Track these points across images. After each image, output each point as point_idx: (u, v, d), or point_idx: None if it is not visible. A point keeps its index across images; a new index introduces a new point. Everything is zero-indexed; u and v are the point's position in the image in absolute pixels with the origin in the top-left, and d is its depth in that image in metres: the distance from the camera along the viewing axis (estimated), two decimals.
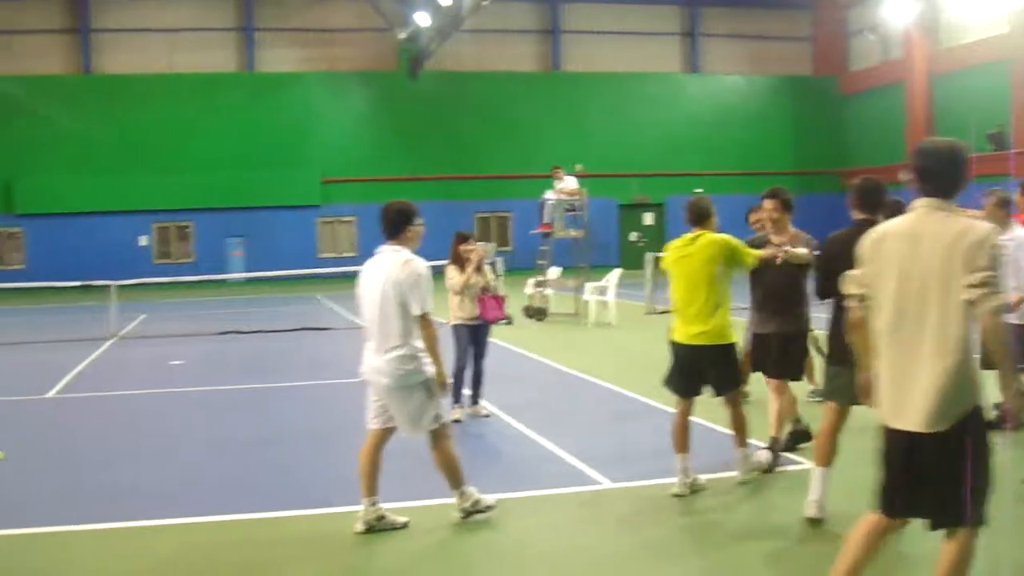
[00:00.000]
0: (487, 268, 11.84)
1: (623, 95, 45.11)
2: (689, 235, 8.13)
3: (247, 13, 42.01)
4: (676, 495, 7.88)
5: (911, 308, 4.81)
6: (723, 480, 8.25)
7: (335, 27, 42.57)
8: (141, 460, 9.79)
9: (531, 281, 23.51)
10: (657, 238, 43.49)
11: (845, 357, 6.99)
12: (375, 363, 7.25)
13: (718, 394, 8.16)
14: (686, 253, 8.05)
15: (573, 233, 23.49)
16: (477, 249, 11.69)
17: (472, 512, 7.44)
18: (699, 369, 8.02)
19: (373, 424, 7.43)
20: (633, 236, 44.07)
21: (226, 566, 6.71)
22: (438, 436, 7.38)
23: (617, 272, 21.86)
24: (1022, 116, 37.75)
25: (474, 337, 11.56)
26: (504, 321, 20.75)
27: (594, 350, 17.62)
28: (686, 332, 8.01)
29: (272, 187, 40.77)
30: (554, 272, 23.49)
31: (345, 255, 40.17)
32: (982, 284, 4.61)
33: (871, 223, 7.08)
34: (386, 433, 7.43)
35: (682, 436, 8.04)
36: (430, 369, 7.20)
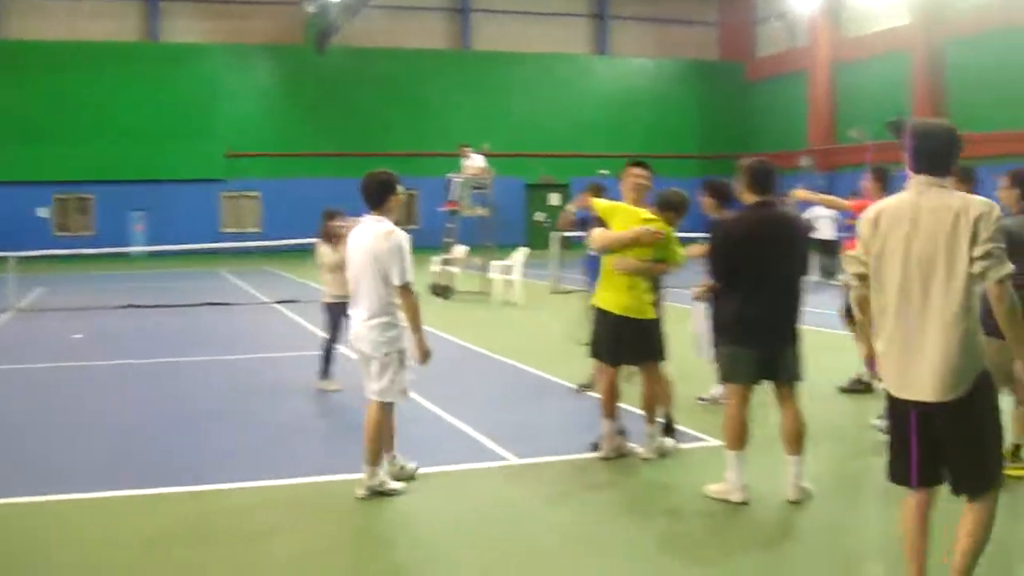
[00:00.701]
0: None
1: (532, 75, 45.18)
2: (644, 213, 8.14)
3: None
4: (604, 458, 8.20)
5: (915, 282, 4.90)
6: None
7: None
8: (49, 434, 9.58)
9: (437, 259, 23.48)
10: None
11: (739, 337, 7.17)
12: (358, 330, 7.41)
13: (638, 364, 8.41)
14: (636, 221, 8.06)
15: (480, 211, 23.53)
16: (347, 224, 11.70)
17: (379, 491, 7.40)
18: (624, 339, 8.09)
19: (369, 395, 7.54)
20: (539, 216, 44.13)
21: (146, 540, 6.62)
22: (387, 410, 7.48)
23: (523, 251, 21.92)
24: (921, 105, 38.48)
25: (345, 313, 11.60)
26: None
27: (499, 328, 17.73)
28: (616, 302, 8.07)
29: (175, 160, 39.97)
30: (460, 250, 23.49)
31: (249, 230, 39.73)
32: (987, 255, 4.76)
33: (768, 204, 7.22)
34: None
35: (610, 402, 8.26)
36: (403, 342, 7.34)
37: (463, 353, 14.68)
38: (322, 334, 11.94)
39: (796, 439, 7.19)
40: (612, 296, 8.11)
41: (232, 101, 41.24)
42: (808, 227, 7.78)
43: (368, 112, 42.34)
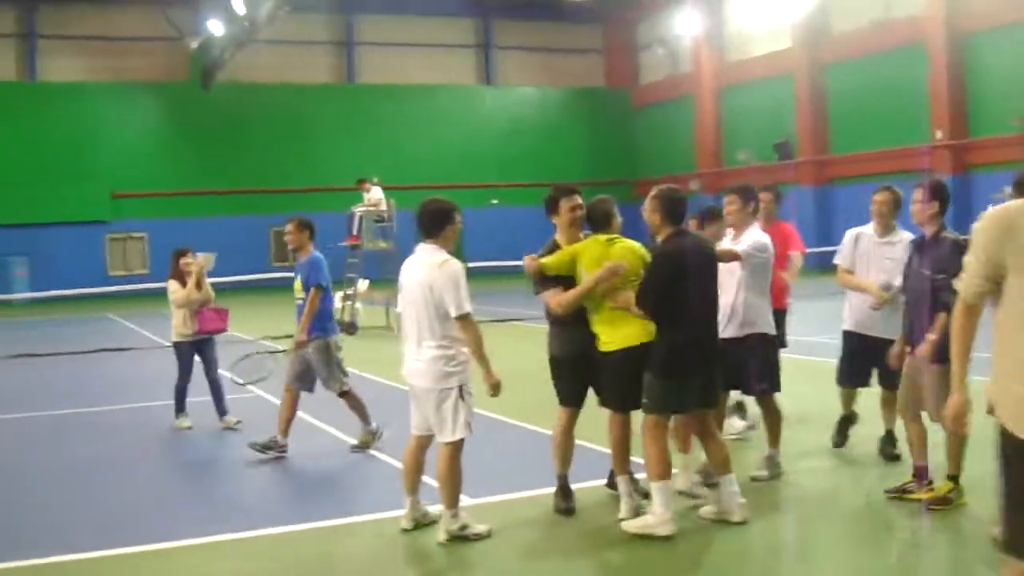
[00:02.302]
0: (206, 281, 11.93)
1: (419, 107, 45.09)
2: (602, 237, 7.52)
3: (28, 19, 40.22)
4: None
5: None
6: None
7: (123, 35, 41.01)
8: None
9: (339, 295, 23.03)
10: (456, 251, 43.37)
11: (676, 368, 7.02)
12: (413, 365, 7.14)
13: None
14: (607, 256, 7.35)
15: (382, 244, 23.19)
16: (196, 261, 11.73)
17: (459, 536, 7.11)
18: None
19: (415, 430, 7.38)
20: None
21: None
22: (457, 447, 7.11)
23: None
24: (805, 127, 39.31)
25: (199, 351, 11.80)
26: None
27: None
28: (637, 331, 7.29)
29: (58, 202, 38.86)
30: (363, 285, 23.10)
31: (136, 272, 38.70)
32: None
33: (685, 232, 7.26)
34: (427, 440, 7.36)
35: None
36: (465, 375, 7.06)
37: (386, 391, 14.25)
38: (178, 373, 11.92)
39: (726, 460, 7.23)
40: (628, 328, 7.33)
41: (116, 140, 40.30)
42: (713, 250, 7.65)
43: (257, 148, 41.75)
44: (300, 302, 10.03)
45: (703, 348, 7.12)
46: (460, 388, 7.04)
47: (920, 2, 34.42)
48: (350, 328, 21.92)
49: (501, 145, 46.27)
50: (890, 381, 8.28)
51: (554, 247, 7.75)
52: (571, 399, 7.80)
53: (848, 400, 9.24)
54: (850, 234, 8.81)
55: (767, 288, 8.28)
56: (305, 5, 37.14)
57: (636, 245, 7.51)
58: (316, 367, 10.02)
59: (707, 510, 7.33)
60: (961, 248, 6.80)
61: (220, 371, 11.79)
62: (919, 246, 7.50)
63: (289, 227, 10.18)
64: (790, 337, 9.69)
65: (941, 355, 6.89)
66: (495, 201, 45.64)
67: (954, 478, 7.34)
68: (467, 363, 7.09)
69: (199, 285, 11.65)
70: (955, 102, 33.81)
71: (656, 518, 6.96)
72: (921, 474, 7.45)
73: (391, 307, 22.05)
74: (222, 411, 11.81)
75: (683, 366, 7.06)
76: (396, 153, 42.76)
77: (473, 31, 47.89)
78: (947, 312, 6.71)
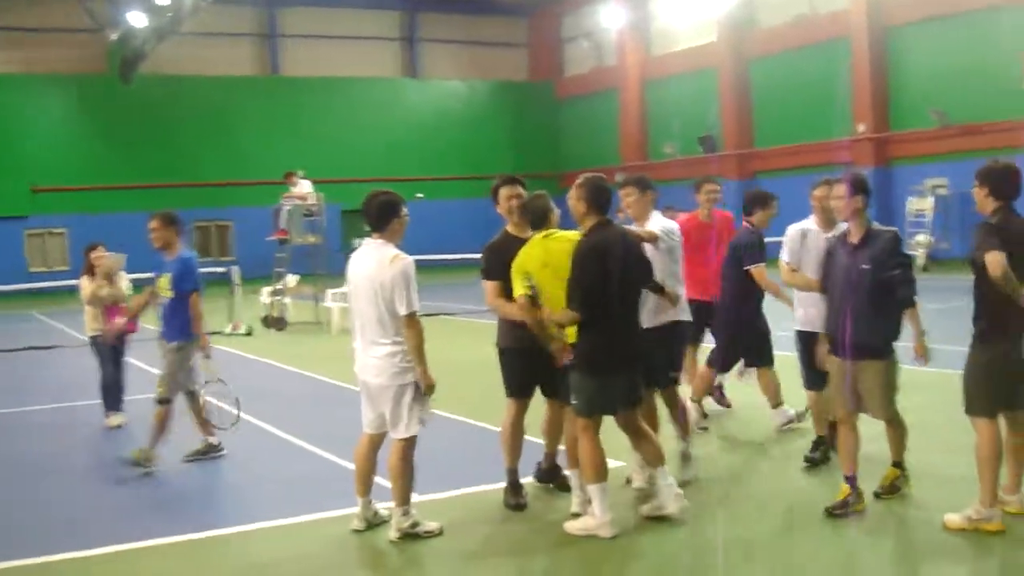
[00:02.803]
0: (122, 276, 11.72)
1: (344, 100, 44.65)
2: (539, 235, 7.37)
3: None
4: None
5: None
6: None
7: (40, 26, 39.97)
8: None
9: (267, 290, 22.81)
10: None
11: (604, 366, 6.84)
12: (366, 361, 6.99)
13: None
14: (548, 254, 7.18)
15: (311, 239, 22.96)
16: (105, 258, 11.53)
17: (411, 534, 7.02)
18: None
19: (368, 428, 7.22)
20: (356, 243, 43.41)
21: None
22: (410, 443, 7.04)
23: None
24: (730, 121, 39.62)
25: (114, 348, 11.59)
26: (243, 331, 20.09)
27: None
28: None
29: None
30: (291, 280, 22.86)
31: (57, 269, 37.88)
32: None
33: (609, 223, 7.02)
34: (379, 438, 7.23)
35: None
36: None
37: (326, 388, 14.12)
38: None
39: (659, 453, 7.13)
40: None
41: (34, 134, 39.30)
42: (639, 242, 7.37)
43: (178, 141, 41.01)
44: (166, 300, 9.58)
45: (627, 345, 6.94)
46: (416, 384, 6.94)
47: None
48: (279, 324, 21.70)
49: (426, 138, 46.00)
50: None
51: (505, 237, 7.76)
52: (519, 391, 7.76)
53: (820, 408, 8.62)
54: (795, 229, 8.49)
55: (679, 273, 8.05)
56: None
57: (573, 235, 7.27)
58: (164, 366, 9.61)
59: (646, 507, 7.25)
60: (900, 241, 7.16)
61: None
62: (846, 241, 7.14)
63: (154, 223, 9.68)
64: None
65: (882, 350, 7.07)
66: (420, 195, 45.37)
67: (899, 464, 7.40)
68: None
69: (109, 282, 11.43)
70: (877, 96, 34.30)
71: (596, 520, 6.88)
72: (854, 484, 7.11)
73: (320, 302, 21.92)
74: (117, 405, 11.67)
75: (607, 364, 6.88)
76: (321, 146, 42.25)
77: (398, 24, 47.56)
78: (911, 306, 7.09)
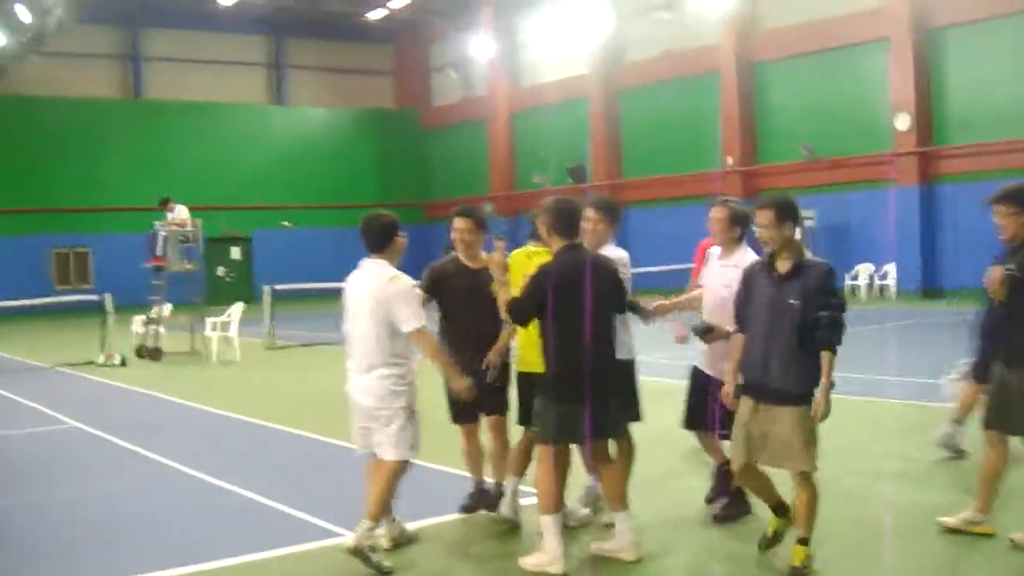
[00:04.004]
0: None
1: (209, 125, 43.79)
2: (527, 250, 7.37)
3: None
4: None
5: None
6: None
7: None
8: None
9: (139, 319, 21.97)
10: (245, 273, 42.41)
11: (568, 392, 6.54)
12: (359, 383, 6.88)
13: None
14: (527, 270, 6.97)
15: (188, 266, 22.23)
16: None
17: (364, 554, 6.76)
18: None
19: (364, 449, 7.08)
20: (220, 271, 42.49)
21: None
22: (400, 467, 6.91)
23: (240, 306, 20.81)
24: (599, 151, 39.93)
25: None
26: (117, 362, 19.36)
27: (240, 390, 16.55)
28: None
29: None
30: (166, 309, 22.07)
31: None
32: None
33: (578, 247, 6.75)
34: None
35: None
36: (412, 395, 6.89)
37: (220, 421, 13.49)
38: None
39: (621, 495, 6.83)
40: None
41: None
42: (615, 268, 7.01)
43: (34, 165, 39.51)
44: None
45: (593, 375, 6.56)
46: (408, 408, 6.87)
47: (713, 33, 35.41)
48: (155, 354, 20.91)
49: (293, 166, 45.33)
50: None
51: (453, 263, 7.83)
52: (466, 417, 7.72)
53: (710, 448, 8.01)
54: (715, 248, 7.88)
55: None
56: (90, 17, 35.52)
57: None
58: None
59: (599, 545, 6.95)
60: (834, 275, 6.36)
61: None
62: (771, 271, 6.36)
63: None
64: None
65: (806, 395, 6.21)
66: (287, 223, 44.74)
67: (806, 541, 6.37)
68: (413, 382, 6.92)
69: None
70: (745, 129, 34.90)
71: (548, 555, 6.56)
72: (782, 509, 6.67)
73: (197, 331, 21.22)
74: None
75: (570, 394, 6.57)
76: (185, 172, 41.11)
77: (264, 49, 46.86)
78: (830, 351, 6.17)
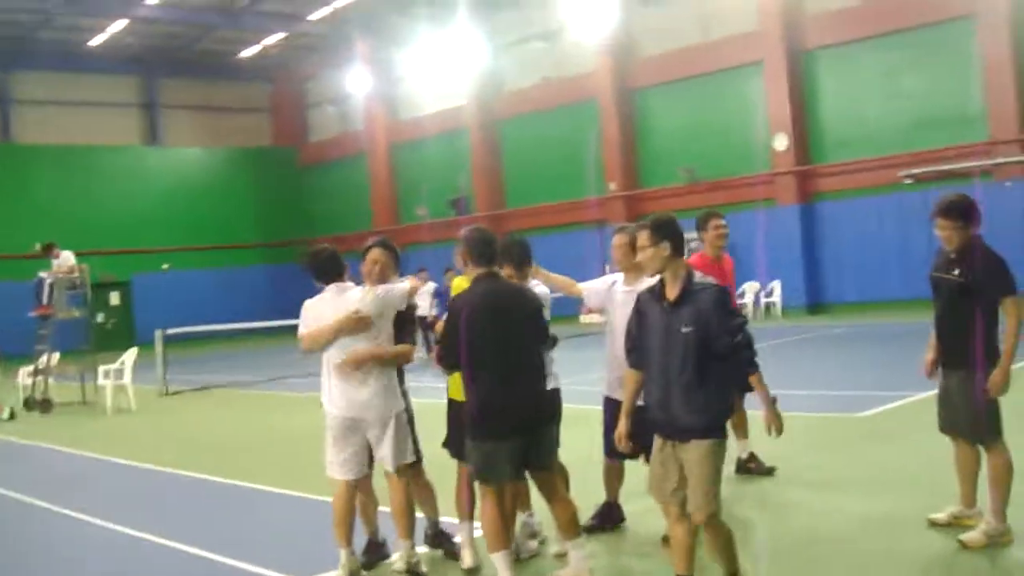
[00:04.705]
0: None
1: (82, 168, 42.83)
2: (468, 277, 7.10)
3: None
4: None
5: None
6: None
7: None
8: None
9: (25, 370, 21.29)
10: (125, 318, 41.47)
11: (492, 428, 6.40)
12: (355, 398, 7.04)
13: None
14: None
15: (76, 313, 21.65)
16: None
17: (413, 572, 7.08)
18: None
19: (349, 475, 7.14)
20: (99, 318, 41.45)
21: None
22: (418, 470, 7.36)
23: (133, 352, 20.28)
24: (481, 182, 40.08)
25: None
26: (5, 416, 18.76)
27: (143, 438, 16.05)
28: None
29: None
30: (54, 358, 21.40)
31: None
32: None
33: (494, 275, 6.62)
34: (359, 483, 7.26)
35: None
36: (407, 399, 7.28)
37: (130, 472, 13.02)
38: None
39: (573, 523, 6.64)
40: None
41: None
42: (536, 295, 6.91)
43: None
44: None
45: (516, 408, 6.39)
46: (407, 412, 7.25)
47: (589, 61, 35.84)
48: (45, 406, 20.25)
49: (170, 207, 44.55)
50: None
51: None
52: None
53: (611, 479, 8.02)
54: (608, 277, 7.93)
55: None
56: None
57: None
58: None
59: (560, 573, 6.85)
60: (727, 295, 5.97)
61: None
62: (661, 297, 5.91)
63: None
64: None
65: (709, 429, 5.79)
66: (166, 266, 43.94)
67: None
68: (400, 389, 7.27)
69: None
70: (626, 155, 35.38)
71: None
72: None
73: (87, 381, 20.65)
74: None
75: (490, 431, 6.39)
76: (60, 217, 39.95)
77: (137, 90, 46.02)
78: (754, 372, 5.85)
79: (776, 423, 5.92)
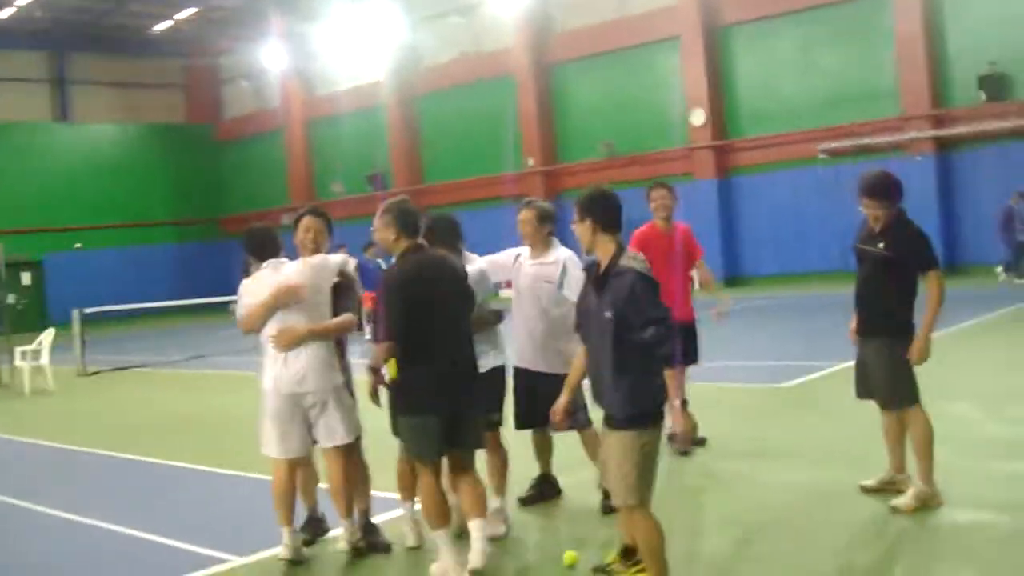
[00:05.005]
0: None
1: None
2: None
3: None
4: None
5: None
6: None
7: None
8: None
9: None
10: (38, 298, 40.73)
11: (423, 403, 6.28)
12: (295, 371, 6.85)
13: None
14: None
15: None
16: None
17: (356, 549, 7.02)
18: None
19: (290, 454, 6.99)
20: (11, 298, 40.59)
21: None
22: (350, 450, 7.10)
23: (50, 333, 19.94)
24: (399, 158, 39.94)
25: None
26: None
27: (66, 419, 15.78)
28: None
29: None
30: None
31: None
32: None
33: (422, 248, 6.53)
34: (299, 462, 7.16)
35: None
36: (344, 375, 7.06)
37: (63, 455, 12.75)
38: None
39: (478, 503, 6.51)
40: None
41: None
42: (462, 265, 6.87)
43: None
44: None
45: (447, 381, 6.30)
46: (347, 387, 7.06)
47: (506, 37, 35.82)
48: None
49: (82, 185, 43.81)
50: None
51: None
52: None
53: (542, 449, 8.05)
54: (513, 251, 7.80)
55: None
56: None
57: None
58: None
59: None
60: (648, 282, 5.46)
61: None
62: (594, 276, 5.64)
63: None
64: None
65: (630, 421, 5.47)
66: (79, 245, 43.21)
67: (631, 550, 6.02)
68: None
69: None
70: (544, 130, 35.50)
71: (446, 564, 6.35)
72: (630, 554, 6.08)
73: (2, 364, 20.30)
74: None
75: (423, 403, 6.28)
76: None
77: (46, 64, 45.06)
78: (671, 367, 5.62)
79: (683, 430, 5.95)
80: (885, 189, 7.07)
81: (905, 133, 27.74)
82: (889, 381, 7.12)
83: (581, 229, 5.62)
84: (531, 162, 35.51)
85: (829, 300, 19.51)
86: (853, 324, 7.42)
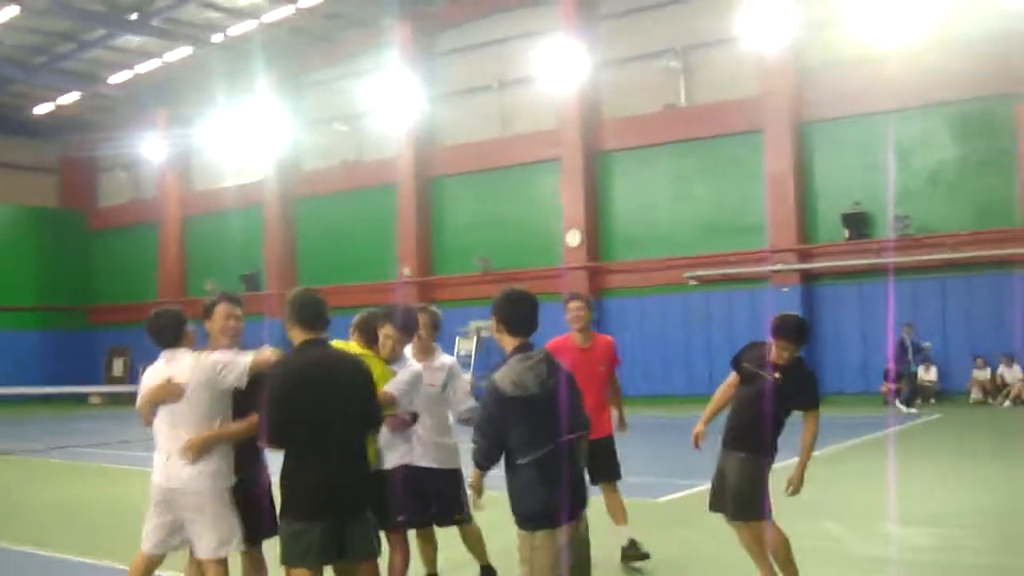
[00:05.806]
0: None
1: None
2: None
3: None
4: None
5: None
6: None
7: None
8: None
9: None
10: None
11: (302, 509, 5.87)
12: (176, 469, 6.42)
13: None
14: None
15: None
16: None
17: None
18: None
19: (156, 549, 6.59)
20: None
21: None
22: (224, 566, 6.52)
23: None
24: (274, 259, 39.68)
25: None
26: None
27: None
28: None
29: None
30: None
31: None
32: None
33: (320, 342, 6.13)
34: (160, 560, 6.69)
35: None
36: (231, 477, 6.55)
37: None
38: None
39: None
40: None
41: None
42: (367, 367, 6.40)
43: None
44: None
45: (335, 488, 5.85)
46: (230, 490, 6.54)
47: (391, 147, 36.16)
48: None
49: None
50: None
51: None
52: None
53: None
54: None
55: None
56: None
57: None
58: None
59: None
60: (498, 400, 5.51)
61: None
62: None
63: None
64: None
65: (521, 519, 5.54)
66: None
67: None
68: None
69: None
70: (422, 241, 35.69)
71: None
72: None
73: None
74: None
75: (304, 509, 5.84)
76: None
77: None
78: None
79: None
80: (800, 334, 7.47)
81: (772, 264, 28.59)
82: (744, 491, 7.32)
83: (493, 327, 5.74)
84: (407, 272, 35.61)
85: (692, 423, 19.72)
86: (699, 428, 7.76)
